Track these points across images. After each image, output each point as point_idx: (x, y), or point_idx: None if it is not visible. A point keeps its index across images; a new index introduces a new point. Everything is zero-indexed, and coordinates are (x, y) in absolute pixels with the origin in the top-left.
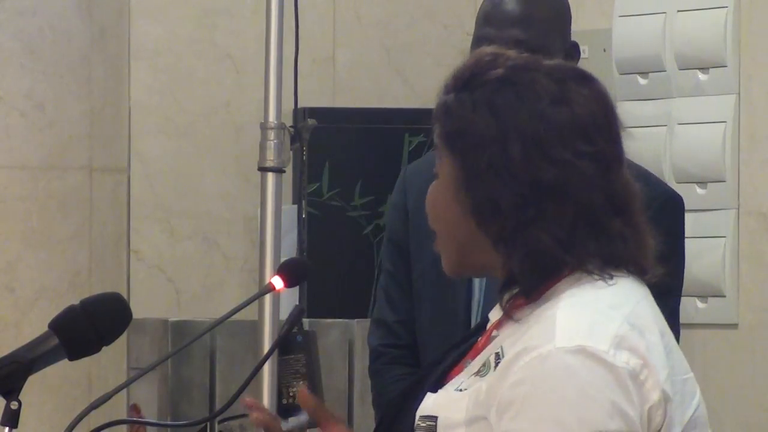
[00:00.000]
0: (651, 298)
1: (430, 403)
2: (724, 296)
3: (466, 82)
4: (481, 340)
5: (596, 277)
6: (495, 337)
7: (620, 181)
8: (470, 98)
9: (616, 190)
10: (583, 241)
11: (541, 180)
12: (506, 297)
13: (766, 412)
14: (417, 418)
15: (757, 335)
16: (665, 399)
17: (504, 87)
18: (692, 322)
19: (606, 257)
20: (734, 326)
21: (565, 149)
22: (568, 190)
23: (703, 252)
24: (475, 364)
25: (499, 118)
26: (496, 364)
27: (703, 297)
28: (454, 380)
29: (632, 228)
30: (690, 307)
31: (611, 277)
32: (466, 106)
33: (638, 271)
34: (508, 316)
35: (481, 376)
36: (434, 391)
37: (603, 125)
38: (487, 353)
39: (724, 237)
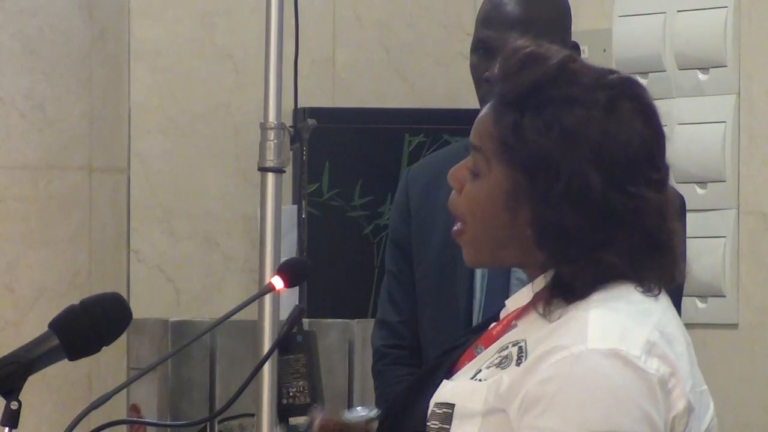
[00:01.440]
0: (673, 308)
1: (447, 391)
2: (724, 296)
3: (529, 97)
4: (495, 326)
5: (640, 288)
6: (514, 326)
7: (669, 196)
8: (540, 119)
9: (668, 205)
10: (642, 258)
11: (615, 209)
12: (554, 293)
13: (766, 412)
14: (432, 404)
15: (757, 335)
16: (689, 409)
17: (572, 107)
18: (692, 322)
19: (660, 270)
20: (734, 326)
21: (639, 179)
22: (640, 218)
23: (703, 252)
24: (490, 352)
25: (573, 143)
26: (519, 358)
27: (703, 297)
28: (468, 367)
29: (673, 236)
30: (690, 307)
31: (657, 291)
32: (538, 128)
33: (672, 281)
34: (544, 311)
35: (502, 368)
36: (447, 378)
37: (661, 144)
38: (506, 341)
39: (724, 237)
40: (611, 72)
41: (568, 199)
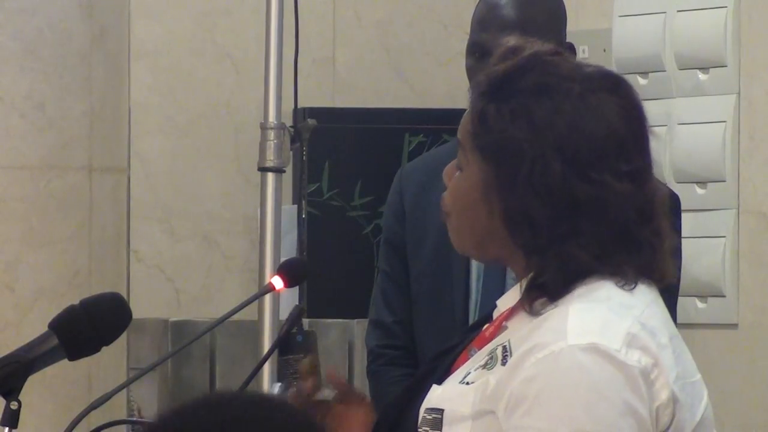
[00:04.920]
0: (661, 302)
1: (436, 396)
2: (724, 296)
3: (500, 86)
4: (488, 328)
5: (619, 283)
6: (505, 328)
7: (650, 191)
8: (507, 107)
9: (647, 200)
10: (614, 253)
11: (578, 198)
12: (532, 294)
13: (766, 412)
14: (423, 410)
15: (757, 335)
16: (673, 400)
17: (541, 97)
18: (692, 322)
19: (636, 267)
20: (734, 326)
21: (604, 169)
22: (604, 208)
23: (703, 252)
24: (482, 354)
25: (538, 131)
26: (503, 358)
27: (703, 297)
28: (459, 371)
29: (658, 236)
30: (690, 307)
31: (633, 285)
32: (504, 117)
33: (660, 278)
34: (530, 310)
35: (488, 369)
36: (440, 382)
37: (638, 137)
38: (495, 344)
39: (724, 237)
40: (597, 68)
41: (531, 187)
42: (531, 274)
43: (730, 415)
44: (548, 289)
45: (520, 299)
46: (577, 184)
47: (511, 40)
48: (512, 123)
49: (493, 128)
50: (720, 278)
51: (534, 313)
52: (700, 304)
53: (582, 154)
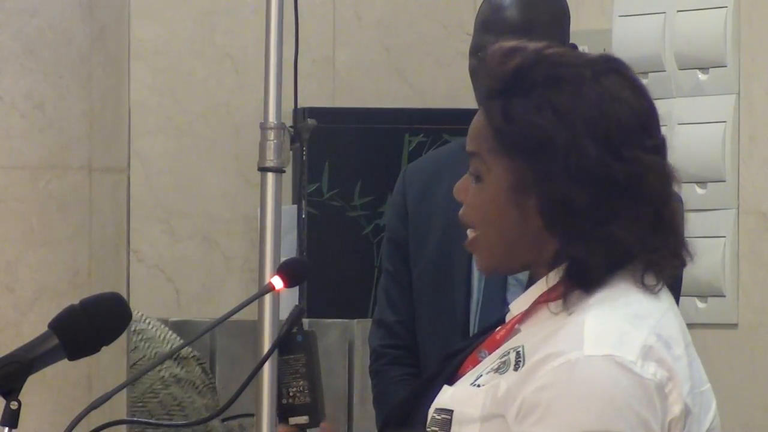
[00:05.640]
0: (676, 309)
1: (446, 397)
2: (724, 296)
3: (515, 84)
4: (500, 331)
5: (639, 284)
6: (518, 331)
7: (669, 169)
8: (530, 101)
9: (668, 178)
10: (649, 235)
11: (616, 177)
12: (568, 284)
13: (766, 412)
14: (432, 410)
15: (757, 335)
16: (686, 413)
17: (559, 86)
18: (692, 322)
19: (666, 247)
20: (734, 326)
21: (634, 146)
22: (641, 185)
23: (703, 252)
24: (494, 357)
25: (566, 118)
26: (516, 363)
27: (703, 297)
28: (470, 373)
29: (675, 215)
30: (690, 307)
31: (656, 285)
32: (529, 110)
33: (690, 258)
34: (564, 305)
35: (500, 373)
36: (449, 383)
37: (652, 113)
38: (508, 347)
39: (724, 237)
40: (596, 54)
41: (568, 174)
42: (564, 265)
43: (730, 415)
44: (590, 272)
45: (546, 291)
46: (613, 163)
47: (505, 44)
48: (538, 114)
49: (520, 122)
50: (720, 278)
51: (565, 309)
52: (700, 304)
53: (612, 134)
